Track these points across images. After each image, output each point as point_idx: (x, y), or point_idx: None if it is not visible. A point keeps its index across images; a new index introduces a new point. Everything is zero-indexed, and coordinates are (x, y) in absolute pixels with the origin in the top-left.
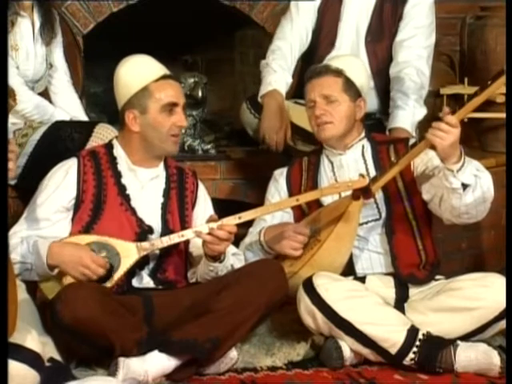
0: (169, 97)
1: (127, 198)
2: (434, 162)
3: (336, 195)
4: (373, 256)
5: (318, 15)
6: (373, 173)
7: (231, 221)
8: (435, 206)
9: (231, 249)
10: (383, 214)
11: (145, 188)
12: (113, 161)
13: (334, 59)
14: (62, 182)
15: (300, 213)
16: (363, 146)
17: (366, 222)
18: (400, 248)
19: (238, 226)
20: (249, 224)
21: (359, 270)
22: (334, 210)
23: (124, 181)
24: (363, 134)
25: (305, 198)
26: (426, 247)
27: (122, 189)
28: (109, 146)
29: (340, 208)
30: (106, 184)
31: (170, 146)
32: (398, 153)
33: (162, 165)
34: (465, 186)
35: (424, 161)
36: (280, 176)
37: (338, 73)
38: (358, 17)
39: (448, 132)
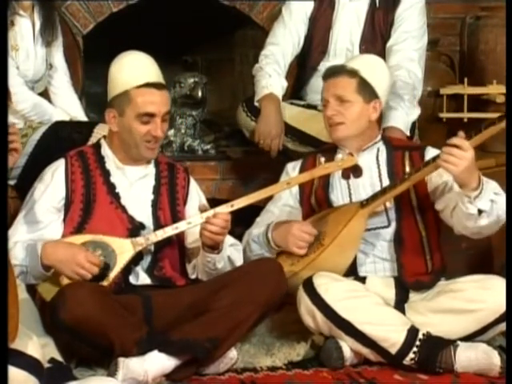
0: (146, 107)
1: (117, 197)
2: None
3: (347, 198)
4: (377, 261)
5: (310, 23)
6: (385, 178)
7: (224, 209)
8: (447, 216)
9: (229, 239)
10: (392, 222)
11: (134, 186)
12: (101, 160)
13: (354, 59)
14: (50, 183)
15: (310, 210)
16: (378, 149)
17: (374, 228)
18: (407, 257)
19: (236, 225)
20: (246, 222)
21: (362, 272)
22: (340, 215)
23: (113, 179)
24: (379, 137)
25: (296, 180)
26: (434, 257)
27: (111, 187)
28: (97, 146)
29: (347, 214)
30: (94, 183)
31: (144, 151)
32: (413, 161)
33: (151, 162)
34: (480, 211)
35: (439, 171)
36: (292, 170)
37: (353, 73)
38: (350, 25)
39: (460, 157)
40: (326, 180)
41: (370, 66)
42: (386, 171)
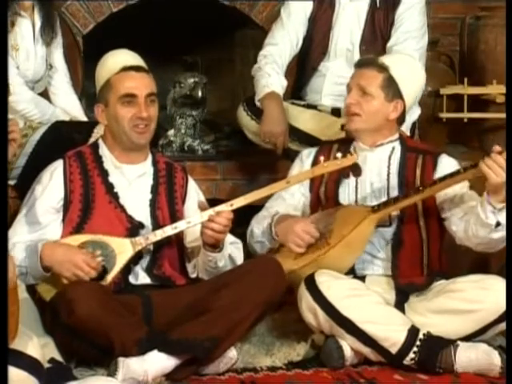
0: (125, 88)
1: (115, 196)
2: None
3: (353, 193)
4: (375, 261)
5: (310, 24)
6: (394, 177)
7: (224, 208)
8: (451, 224)
9: (229, 238)
10: (394, 222)
11: (132, 185)
12: (99, 160)
13: (390, 55)
14: (49, 184)
15: (316, 199)
16: (393, 148)
17: (376, 226)
18: (404, 260)
19: (237, 225)
20: (246, 222)
21: (359, 270)
22: (349, 217)
23: (111, 179)
24: (396, 136)
25: (296, 179)
26: (432, 262)
27: (109, 187)
28: (94, 146)
29: (357, 216)
30: (93, 183)
31: (135, 137)
32: (425, 166)
33: (149, 161)
34: (498, 224)
35: None
36: (307, 157)
37: (383, 68)
38: (350, 25)
39: (503, 167)
40: (338, 174)
41: (402, 66)
42: (396, 171)
